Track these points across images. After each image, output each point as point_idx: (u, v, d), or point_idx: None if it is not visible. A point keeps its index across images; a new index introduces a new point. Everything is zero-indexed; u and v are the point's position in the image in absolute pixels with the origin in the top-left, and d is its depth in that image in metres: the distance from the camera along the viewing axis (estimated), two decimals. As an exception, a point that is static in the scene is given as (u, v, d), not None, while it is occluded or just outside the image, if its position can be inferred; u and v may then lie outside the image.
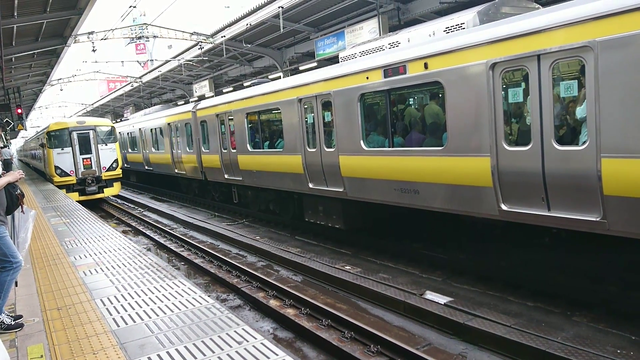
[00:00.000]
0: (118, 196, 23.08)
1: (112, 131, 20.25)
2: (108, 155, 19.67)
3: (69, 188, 18.99)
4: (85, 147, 19.24)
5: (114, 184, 20.09)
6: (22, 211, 5.34)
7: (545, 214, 6.28)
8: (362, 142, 9.22)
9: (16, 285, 5.69)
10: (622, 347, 5.47)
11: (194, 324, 4.84)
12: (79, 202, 16.22)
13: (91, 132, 19.42)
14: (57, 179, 19.09)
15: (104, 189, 19.71)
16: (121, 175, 20.63)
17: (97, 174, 19.40)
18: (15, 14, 12.53)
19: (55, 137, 19.16)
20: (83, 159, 19.22)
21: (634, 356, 5.26)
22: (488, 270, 8.16)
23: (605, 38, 5.39)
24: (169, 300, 5.61)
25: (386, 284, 7.89)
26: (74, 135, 19.11)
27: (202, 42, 22.58)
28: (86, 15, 13.72)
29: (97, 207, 21.42)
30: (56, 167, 18.98)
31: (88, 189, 19.22)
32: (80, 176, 19.19)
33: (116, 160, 19.94)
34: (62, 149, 18.99)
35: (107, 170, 19.63)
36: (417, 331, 6.58)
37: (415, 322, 6.85)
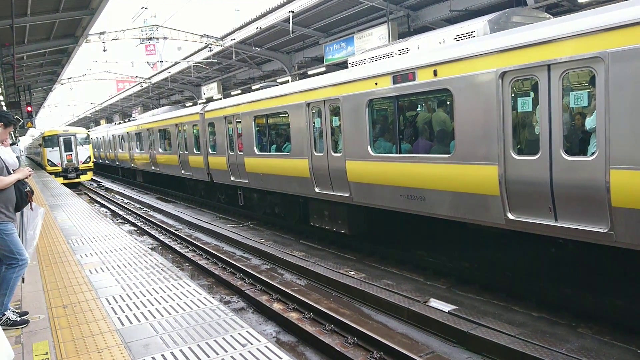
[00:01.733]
0: (124, 195, 24.90)
1: (87, 137, 28.55)
2: (84, 152, 27.90)
3: (57, 175, 26.65)
4: (68, 147, 27.39)
5: (88, 172, 28.52)
6: (31, 208, 5.38)
7: (552, 224, 6.26)
8: (369, 147, 9.23)
9: (23, 282, 5.73)
10: (628, 361, 5.43)
11: (198, 325, 4.85)
12: (63, 184, 23.16)
13: (72, 137, 27.64)
14: (48, 168, 27.39)
15: (80, 176, 28.03)
16: (93, 167, 29.18)
17: (76, 165, 27.69)
18: (29, 12, 12.65)
19: (48, 140, 27.44)
20: (66, 155, 27.41)
21: (639, 370, 5.22)
22: (493, 279, 8.12)
23: (616, 49, 5.38)
24: (174, 300, 5.62)
25: (390, 291, 7.87)
26: (61, 139, 27.33)
27: (211, 44, 22.71)
28: (98, 16, 13.82)
29: (103, 205, 21.56)
30: (48, 160, 27.32)
31: (69, 175, 27.36)
32: (64, 166, 27.36)
33: (89, 156, 28.13)
34: (53, 148, 27.25)
35: (83, 163, 27.86)
36: (420, 338, 6.56)
37: (418, 330, 6.83)
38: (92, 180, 33.89)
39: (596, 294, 7.09)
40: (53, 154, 27.18)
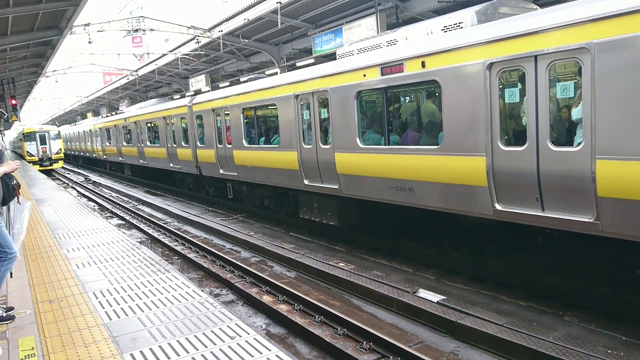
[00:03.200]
0: (112, 189, 24.85)
1: (58, 133, 35.84)
2: (55, 146, 34.80)
3: (34, 163, 33.53)
4: (43, 141, 34.13)
5: (59, 161, 35.61)
6: (18, 202, 5.30)
7: (539, 214, 6.31)
8: (358, 139, 9.22)
9: (11, 277, 5.66)
10: (613, 348, 5.51)
11: (187, 318, 4.84)
12: (40, 170, 30.09)
13: (46, 133, 34.62)
14: (27, 158, 34.04)
15: (53, 164, 34.86)
16: (63, 157, 36.56)
17: (49, 156, 34.39)
18: (11, 3, 12.40)
19: (27, 136, 34.36)
20: (41, 147, 34.06)
21: (624, 356, 5.29)
22: (481, 269, 8.19)
23: (602, 40, 5.41)
24: (162, 294, 5.60)
25: (380, 282, 7.91)
26: (37, 135, 34.19)
27: (199, 36, 22.48)
28: (82, 6, 13.58)
29: (90, 199, 21.36)
30: (27, 152, 34.14)
31: (44, 164, 34.05)
32: (40, 156, 34.02)
33: (60, 149, 35.29)
34: (31, 142, 34.04)
35: (55, 154, 34.72)
36: (409, 329, 6.60)
37: (408, 320, 6.87)
38: (79, 174, 34.00)
39: (582, 283, 7.17)
40: (31, 147, 34.12)
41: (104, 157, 31.51)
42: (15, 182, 5.16)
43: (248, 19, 19.00)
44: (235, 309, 7.76)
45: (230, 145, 14.09)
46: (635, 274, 6.88)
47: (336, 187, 9.99)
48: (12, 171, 5.14)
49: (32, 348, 4.31)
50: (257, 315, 7.51)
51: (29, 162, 33.31)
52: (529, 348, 5.43)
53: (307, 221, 11.95)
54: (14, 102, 21.94)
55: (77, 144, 40.79)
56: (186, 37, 23.86)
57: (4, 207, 5.18)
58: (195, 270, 10.06)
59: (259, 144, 12.88)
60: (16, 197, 5.20)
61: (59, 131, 36.79)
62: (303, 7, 17.50)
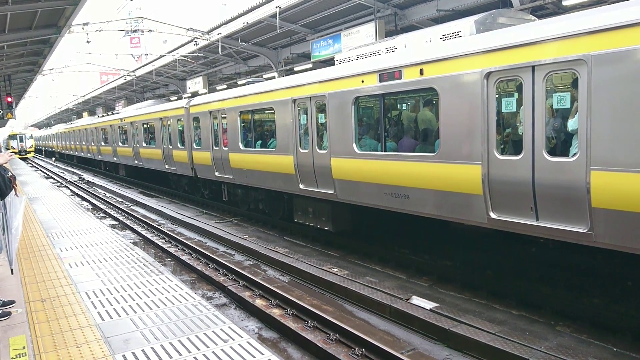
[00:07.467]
0: (106, 189, 24.80)
1: (31, 135, 55.00)
2: (29, 143, 53.29)
3: (15, 153, 44.36)
4: (21, 139, 52.41)
5: (30, 152, 53.97)
6: (16, 194, 5.25)
7: (533, 224, 6.33)
8: (354, 145, 9.24)
9: (12, 273, 5.63)
10: (604, 358, 5.54)
11: (180, 320, 4.82)
12: (20, 158, 47.61)
13: (24, 135, 53.38)
14: (11, 150, 47.23)
15: (27, 154, 52.45)
16: (34, 150, 56.62)
17: (25, 149, 52.20)
18: (9, 0, 12.37)
19: (12, 136, 53.18)
20: (20, 144, 51.97)
21: (615, 367, 5.32)
22: (474, 277, 8.20)
23: (599, 52, 5.46)
24: (155, 295, 5.58)
25: (373, 288, 7.90)
26: (18, 136, 52.80)
27: (197, 38, 22.50)
28: (82, 6, 13.56)
29: (84, 198, 21.25)
30: (11, 146, 51.00)
31: (21, 154, 50.21)
32: (19, 149, 50.97)
33: (32, 145, 54.42)
34: (13, 140, 52.25)
35: (28, 148, 53.12)
36: (402, 335, 6.60)
37: (400, 327, 6.87)
38: (73, 173, 34.00)
39: (575, 293, 7.20)
40: (14, 143, 52.14)
41: (99, 157, 31.38)
42: (10, 174, 5.13)
43: (247, 23, 19.04)
44: (228, 312, 7.73)
45: (226, 148, 14.08)
46: (626, 285, 6.92)
47: (331, 192, 9.99)
48: (6, 162, 5.12)
49: (23, 347, 4.28)
50: (249, 318, 7.49)
51: (13, 153, 48.42)
52: (521, 357, 5.43)
53: (301, 225, 11.93)
54: (9, 99, 21.85)
55: (72, 143, 40.65)
56: (185, 39, 23.88)
57: (1, 204, 5.13)
58: (188, 272, 10.02)
59: (255, 148, 12.88)
60: (13, 190, 5.16)
61: (32, 134, 58.12)
62: (302, 12, 17.56)
